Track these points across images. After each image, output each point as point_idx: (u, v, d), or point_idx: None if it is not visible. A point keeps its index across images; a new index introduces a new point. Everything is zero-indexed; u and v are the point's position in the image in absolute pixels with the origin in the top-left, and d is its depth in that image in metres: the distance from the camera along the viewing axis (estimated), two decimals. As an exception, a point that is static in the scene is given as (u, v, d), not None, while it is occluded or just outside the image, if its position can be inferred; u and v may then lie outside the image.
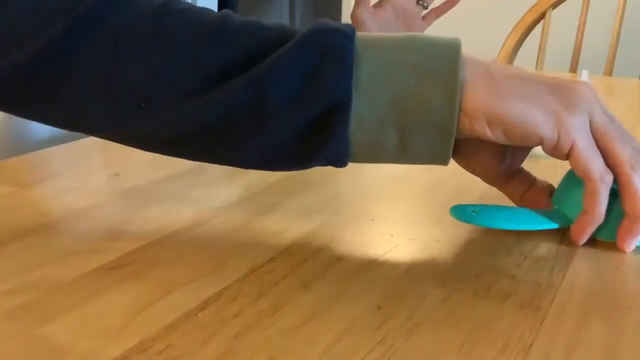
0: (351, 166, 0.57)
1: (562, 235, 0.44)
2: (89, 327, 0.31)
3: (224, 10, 0.39)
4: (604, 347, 0.31)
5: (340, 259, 0.39)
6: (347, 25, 0.38)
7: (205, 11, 0.38)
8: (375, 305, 0.34)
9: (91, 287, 0.35)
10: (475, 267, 0.38)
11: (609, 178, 0.39)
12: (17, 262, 0.38)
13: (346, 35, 0.37)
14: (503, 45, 1.41)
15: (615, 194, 0.40)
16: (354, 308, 0.34)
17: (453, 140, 0.38)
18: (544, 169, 0.59)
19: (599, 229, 0.41)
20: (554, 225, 0.42)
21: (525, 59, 1.49)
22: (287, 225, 0.44)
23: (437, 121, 0.37)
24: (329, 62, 0.36)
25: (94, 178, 0.52)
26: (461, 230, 0.44)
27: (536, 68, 1.46)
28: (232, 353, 0.29)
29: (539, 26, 1.44)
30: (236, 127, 0.37)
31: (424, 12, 0.97)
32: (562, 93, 0.39)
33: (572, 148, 0.39)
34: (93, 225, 0.43)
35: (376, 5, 0.95)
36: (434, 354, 0.30)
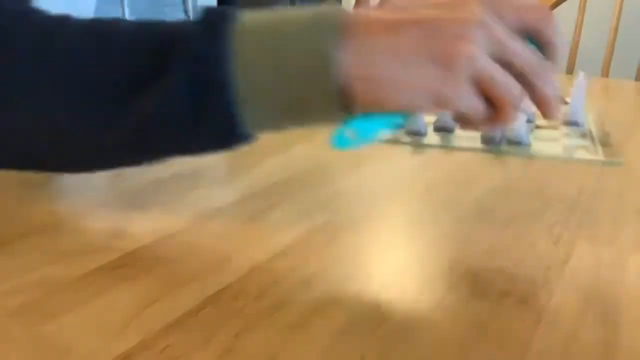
0: (351, 166, 0.58)
1: (560, 233, 0.44)
2: (90, 327, 0.31)
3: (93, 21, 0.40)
4: (601, 346, 0.31)
5: (339, 258, 0.39)
6: (225, 23, 0.37)
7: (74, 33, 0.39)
8: (375, 304, 0.34)
9: (92, 286, 0.35)
10: (474, 266, 0.39)
11: (518, 89, 0.38)
12: (19, 261, 0.38)
13: (222, 54, 0.36)
14: (500, 47, 1.41)
15: None
16: (353, 307, 0.34)
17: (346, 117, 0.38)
18: (544, 169, 0.59)
19: None
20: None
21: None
22: (287, 224, 0.44)
23: (323, 117, 0.38)
24: (210, 93, 0.36)
25: (94, 178, 0.52)
26: (459, 230, 0.44)
27: (533, 69, 1.47)
28: (233, 352, 0.30)
29: (536, 28, 1.45)
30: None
31: None
32: (442, 59, 0.36)
33: (482, 81, 0.37)
34: (94, 225, 0.43)
35: (377, 7, 0.95)
36: (433, 353, 0.30)
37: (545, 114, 0.41)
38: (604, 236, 0.44)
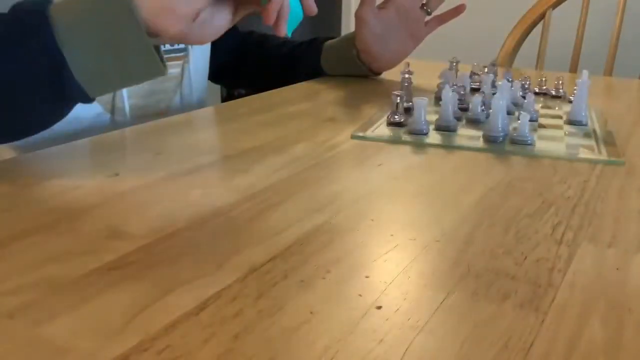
0: (351, 166, 0.57)
1: (564, 234, 0.44)
2: (89, 327, 0.31)
3: None
4: (604, 347, 0.31)
5: (340, 259, 0.39)
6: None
7: None
8: (375, 305, 0.34)
9: (91, 287, 0.35)
10: (475, 267, 0.38)
11: None
12: (17, 262, 0.38)
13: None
14: (503, 46, 1.41)
15: None
16: (354, 308, 0.34)
17: (155, 54, 0.53)
18: (547, 168, 0.59)
19: None
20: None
21: (525, 59, 1.49)
22: (287, 225, 0.44)
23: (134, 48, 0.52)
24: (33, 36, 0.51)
25: (94, 178, 0.52)
26: (461, 230, 0.44)
27: (536, 68, 1.46)
28: (232, 353, 0.29)
29: (539, 26, 1.44)
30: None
31: (427, 18, 0.97)
32: None
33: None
34: (93, 225, 0.43)
35: (380, 6, 0.95)
36: (434, 354, 0.30)
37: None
38: (608, 236, 0.44)
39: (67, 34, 0.51)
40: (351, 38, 0.97)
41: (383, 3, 0.96)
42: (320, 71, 1.00)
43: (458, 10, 0.96)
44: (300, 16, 0.64)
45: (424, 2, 0.95)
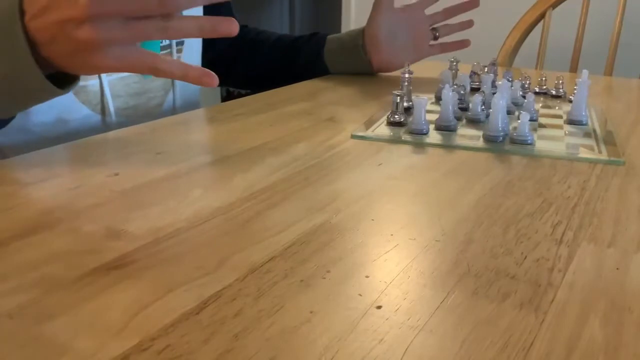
0: (351, 165, 0.57)
1: (564, 233, 0.44)
2: (88, 327, 0.31)
3: None
4: (604, 347, 0.31)
5: (340, 258, 0.39)
6: None
7: None
8: (375, 305, 0.34)
9: (91, 286, 0.35)
10: (475, 267, 0.38)
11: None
12: (17, 261, 0.38)
13: None
14: (503, 45, 1.41)
15: None
16: (353, 308, 0.34)
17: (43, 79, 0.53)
18: (547, 168, 0.59)
19: None
20: None
21: (525, 59, 1.49)
22: (287, 224, 0.44)
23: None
24: None
25: (94, 178, 0.52)
26: (461, 230, 0.44)
27: (536, 68, 1.46)
28: (232, 353, 0.29)
29: (539, 26, 1.44)
30: None
31: (433, 42, 1.00)
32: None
33: None
34: (93, 224, 0.43)
35: (397, 8, 0.99)
36: (434, 354, 0.30)
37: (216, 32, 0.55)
38: (608, 236, 0.44)
39: None
40: (358, 30, 0.99)
41: (401, 6, 0.99)
42: (320, 63, 1.00)
43: (462, 44, 1.00)
44: None
45: (434, 27, 0.99)
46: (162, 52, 0.79)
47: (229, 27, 0.53)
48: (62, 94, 0.56)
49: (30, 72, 0.52)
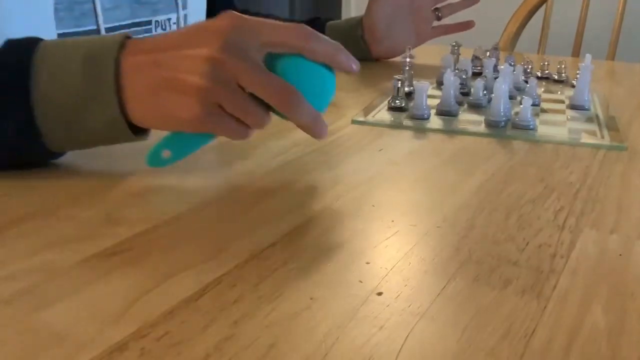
0: (352, 151, 0.57)
1: (566, 219, 0.43)
2: (87, 313, 0.31)
3: None
4: (606, 333, 0.31)
5: (340, 245, 0.39)
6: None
7: None
8: (376, 291, 0.34)
9: (90, 273, 0.35)
10: (477, 253, 0.38)
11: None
12: (16, 248, 0.37)
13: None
14: (505, 30, 1.40)
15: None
16: (354, 294, 0.33)
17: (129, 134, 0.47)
18: (549, 153, 0.58)
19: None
20: None
21: (528, 44, 1.48)
22: (287, 211, 0.44)
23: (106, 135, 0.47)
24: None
25: (92, 164, 0.52)
26: (462, 216, 0.43)
27: (538, 52, 1.45)
28: (232, 339, 0.29)
29: (541, 10, 1.43)
30: None
31: (436, 23, 0.99)
32: (181, 91, 0.44)
33: (223, 107, 0.44)
34: (92, 211, 0.43)
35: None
36: (435, 341, 0.30)
37: (312, 135, 0.48)
38: (610, 222, 0.43)
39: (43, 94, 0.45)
40: (357, 19, 0.98)
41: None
42: None
43: (467, 25, 0.98)
44: (331, 90, 0.49)
45: (437, 7, 0.97)
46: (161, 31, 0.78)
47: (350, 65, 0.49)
48: (131, 140, 0.48)
49: (110, 108, 0.45)
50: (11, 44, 0.47)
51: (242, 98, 0.44)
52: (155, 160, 0.47)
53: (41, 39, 0.47)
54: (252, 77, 0.44)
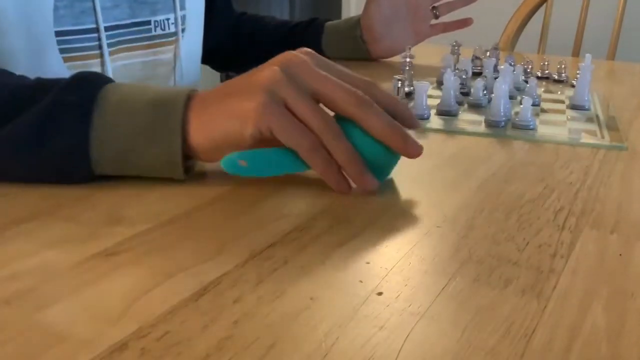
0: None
1: (566, 219, 0.43)
2: (87, 313, 0.31)
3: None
4: (606, 333, 0.31)
5: (340, 245, 0.39)
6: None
7: None
8: (376, 291, 0.34)
9: (90, 272, 0.35)
10: (477, 253, 0.38)
11: (311, 140, 0.44)
12: (16, 247, 0.37)
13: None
14: (505, 29, 1.40)
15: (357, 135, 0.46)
16: (354, 294, 0.33)
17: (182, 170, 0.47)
18: (549, 153, 0.58)
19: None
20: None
21: (528, 44, 1.48)
22: (287, 210, 0.44)
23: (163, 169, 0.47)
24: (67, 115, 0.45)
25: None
26: (462, 216, 0.43)
27: (538, 52, 1.45)
28: (232, 339, 0.29)
29: (541, 10, 1.43)
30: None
31: (434, 21, 0.99)
32: (242, 90, 0.45)
33: (272, 131, 0.44)
34: (92, 210, 0.43)
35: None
36: (435, 341, 0.30)
37: (349, 175, 0.46)
38: (610, 222, 0.43)
39: (103, 134, 0.45)
40: (356, 19, 0.98)
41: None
42: (320, 52, 1.00)
43: (465, 22, 0.98)
44: (393, 160, 0.48)
45: (435, 5, 0.97)
46: (159, 40, 0.78)
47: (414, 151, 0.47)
48: (177, 177, 0.47)
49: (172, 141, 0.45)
50: (81, 76, 0.47)
51: (292, 121, 0.44)
52: (230, 165, 0.46)
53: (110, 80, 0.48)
54: (303, 105, 0.44)
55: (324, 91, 0.45)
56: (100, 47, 0.69)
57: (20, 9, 0.62)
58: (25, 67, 0.63)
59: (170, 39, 0.79)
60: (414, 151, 0.47)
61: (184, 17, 0.80)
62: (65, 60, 0.66)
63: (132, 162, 0.46)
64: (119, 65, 0.73)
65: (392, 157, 0.48)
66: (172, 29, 0.79)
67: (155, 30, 0.76)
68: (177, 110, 0.45)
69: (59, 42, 0.65)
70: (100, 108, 0.45)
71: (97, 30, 0.68)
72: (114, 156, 0.46)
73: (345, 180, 0.46)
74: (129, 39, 0.73)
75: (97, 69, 0.71)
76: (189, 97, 0.46)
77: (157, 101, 0.46)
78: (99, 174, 0.47)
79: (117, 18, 0.71)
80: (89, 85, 0.47)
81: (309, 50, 0.48)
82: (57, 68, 0.66)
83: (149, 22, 0.75)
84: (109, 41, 0.70)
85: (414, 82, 0.73)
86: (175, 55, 0.81)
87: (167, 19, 0.78)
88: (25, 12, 0.63)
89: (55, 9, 0.64)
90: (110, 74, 0.71)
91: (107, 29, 0.69)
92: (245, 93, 0.45)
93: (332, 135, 0.45)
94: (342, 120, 0.46)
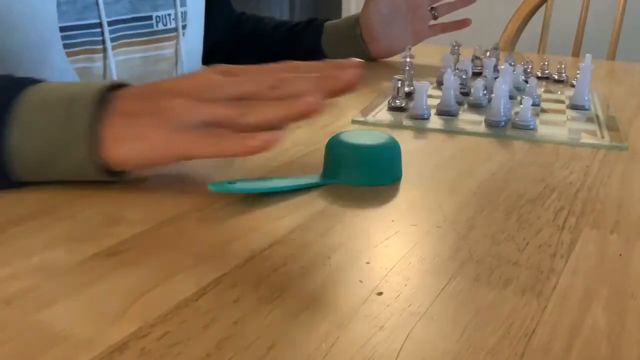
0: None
1: (566, 219, 0.43)
2: (87, 313, 0.31)
3: None
4: (606, 333, 0.31)
5: (340, 245, 0.39)
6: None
7: None
8: (376, 291, 0.34)
9: (90, 273, 0.35)
10: (477, 253, 0.38)
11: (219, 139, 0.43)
12: (16, 247, 0.37)
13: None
14: (505, 29, 1.40)
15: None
16: (354, 294, 0.33)
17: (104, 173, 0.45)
18: (549, 153, 0.58)
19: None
20: (310, 183, 0.48)
21: (528, 44, 1.48)
22: (286, 211, 0.44)
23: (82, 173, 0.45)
24: None
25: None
26: (462, 216, 0.43)
27: (538, 52, 1.45)
28: (232, 339, 0.29)
29: (541, 10, 1.43)
30: None
31: (433, 22, 0.99)
32: (160, 114, 0.43)
33: (192, 157, 0.44)
34: (92, 210, 0.43)
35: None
36: (435, 341, 0.30)
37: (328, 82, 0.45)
38: (610, 222, 0.43)
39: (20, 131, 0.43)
40: (355, 18, 0.98)
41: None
42: (320, 52, 1.00)
43: (463, 23, 0.98)
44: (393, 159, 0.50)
45: (434, 6, 0.98)
46: (160, 36, 0.78)
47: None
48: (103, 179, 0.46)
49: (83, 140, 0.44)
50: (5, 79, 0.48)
51: (218, 108, 0.44)
52: (218, 186, 0.45)
53: (37, 81, 0.46)
54: (227, 82, 0.44)
55: (241, 90, 0.45)
56: (103, 42, 0.69)
57: (25, 5, 0.62)
58: (29, 63, 0.63)
59: (171, 34, 0.79)
60: (348, 77, 0.45)
61: (184, 14, 0.80)
62: (69, 55, 0.66)
63: (49, 167, 0.44)
64: (119, 60, 0.73)
65: (391, 155, 0.49)
66: (173, 25, 0.79)
67: (157, 26, 0.76)
68: (83, 112, 0.43)
69: (63, 38, 0.65)
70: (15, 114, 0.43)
71: (100, 25, 0.68)
72: (32, 168, 0.44)
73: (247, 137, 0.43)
74: (130, 34, 0.73)
75: (100, 63, 0.71)
76: (102, 97, 0.44)
77: (64, 107, 0.44)
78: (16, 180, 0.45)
79: (118, 13, 0.71)
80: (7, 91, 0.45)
81: (217, 65, 0.47)
82: (61, 64, 0.66)
83: (150, 17, 0.75)
84: (110, 36, 0.70)
85: (414, 82, 0.73)
86: (176, 52, 0.81)
87: (169, 15, 0.78)
88: (30, 9, 0.63)
89: (59, 4, 0.64)
90: (113, 68, 0.71)
91: (110, 23, 0.69)
92: (157, 118, 0.43)
93: (276, 82, 0.44)
94: (339, 135, 0.49)
